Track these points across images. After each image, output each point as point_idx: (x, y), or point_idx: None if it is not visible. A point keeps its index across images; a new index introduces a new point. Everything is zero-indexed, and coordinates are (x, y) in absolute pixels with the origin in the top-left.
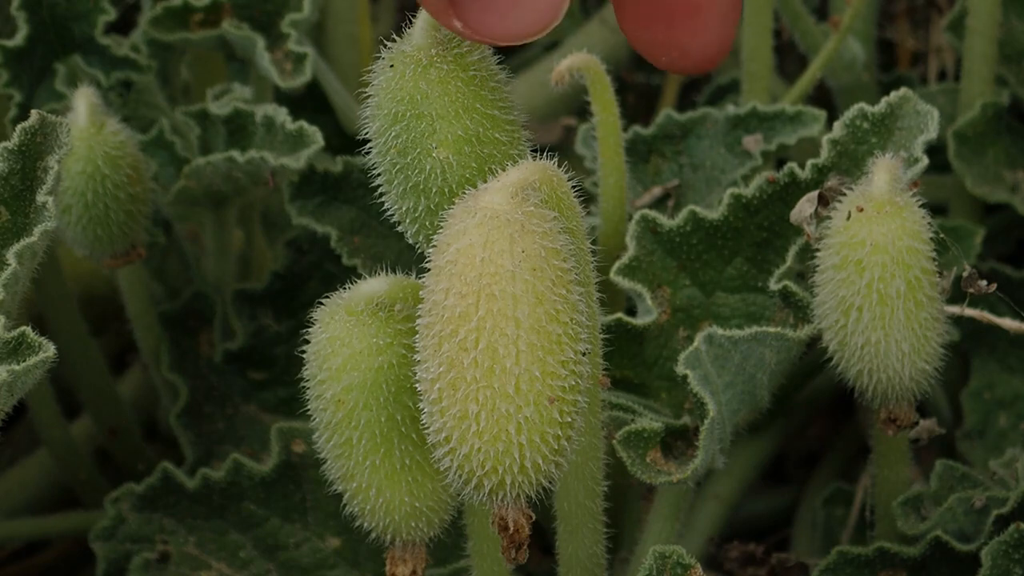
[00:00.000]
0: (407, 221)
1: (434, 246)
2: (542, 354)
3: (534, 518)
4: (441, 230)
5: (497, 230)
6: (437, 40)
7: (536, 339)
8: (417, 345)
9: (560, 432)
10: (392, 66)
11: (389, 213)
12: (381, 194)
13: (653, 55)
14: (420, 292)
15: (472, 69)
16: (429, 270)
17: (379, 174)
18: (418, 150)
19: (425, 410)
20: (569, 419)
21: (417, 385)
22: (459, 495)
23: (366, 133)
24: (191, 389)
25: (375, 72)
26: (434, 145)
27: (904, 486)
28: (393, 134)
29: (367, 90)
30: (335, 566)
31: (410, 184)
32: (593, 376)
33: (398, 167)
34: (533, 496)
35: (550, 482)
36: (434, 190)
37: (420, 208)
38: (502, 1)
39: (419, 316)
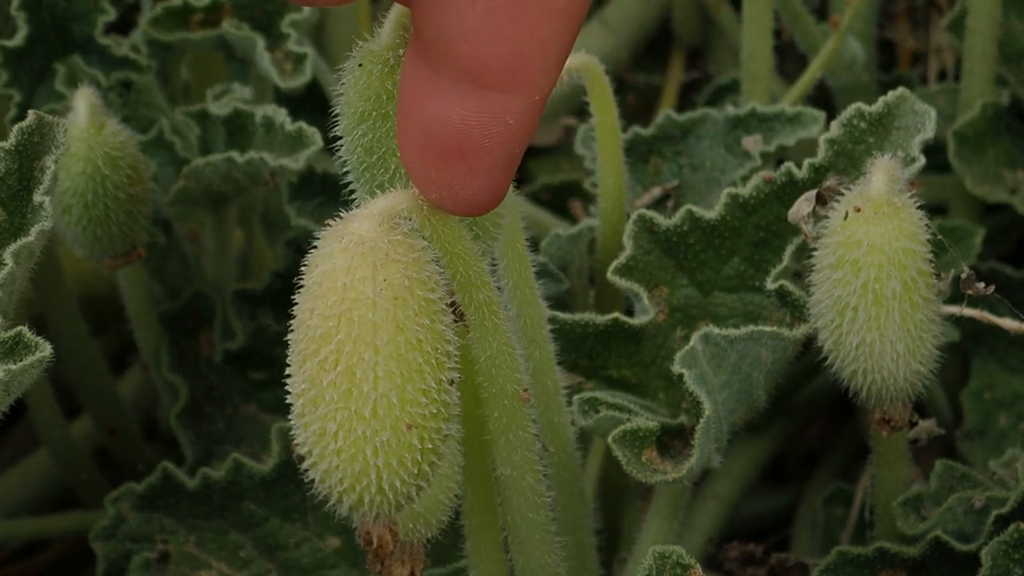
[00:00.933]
0: None
1: (305, 265)
2: (400, 381)
3: (398, 534)
4: (312, 251)
5: (360, 257)
6: (405, 40)
7: (395, 366)
8: (288, 359)
9: (420, 457)
10: (361, 65)
11: None
12: (352, 191)
13: (425, 190)
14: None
15: None
16: (300, 286)
17: (348, 172)
18: (383, 149)
19: (292, 422)
20: (430, 445)
21: (286, 398)
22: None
23: (336, 131)
24: (191, 389)
25: (345, 70)
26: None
27: (904, 486)
28: (360, 133)
29: (337, 88)
30: (335, 566)
31: (376, 183)
32: (514, 393)
33: (365, 166)
34: (394, 515)
35: (410, 502)
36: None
37: None
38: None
39: (290, 330)
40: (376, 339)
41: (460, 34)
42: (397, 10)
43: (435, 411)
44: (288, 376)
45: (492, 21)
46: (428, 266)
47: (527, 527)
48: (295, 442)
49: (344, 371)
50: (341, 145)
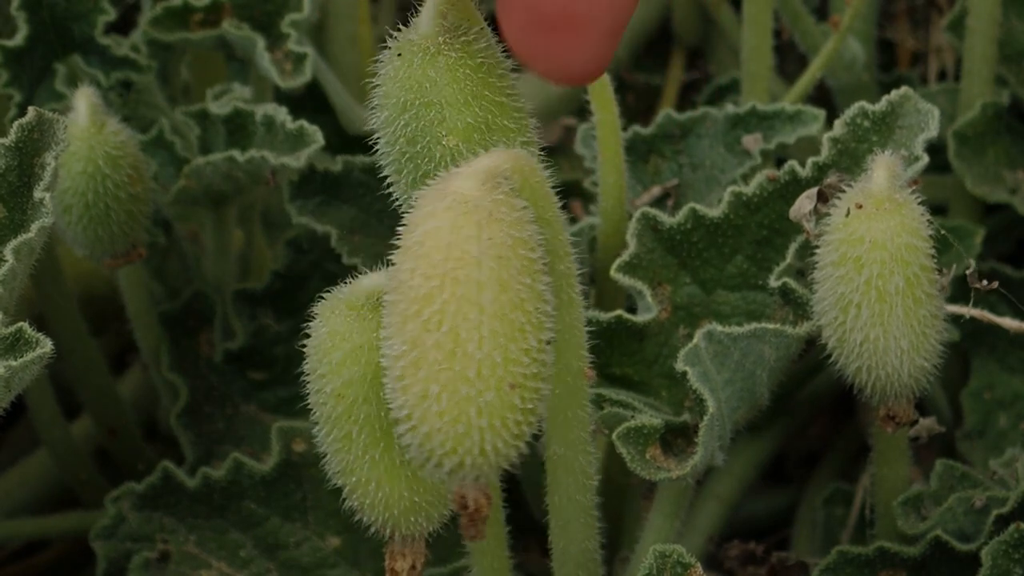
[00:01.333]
0: None
1: (403, 224)
2: (504, 341)
3: (493, 498)
4: (411, 210)
5: (465, 215)
6: (444, 28)
7: (499, 326)
8: (384, 320)
9: (521, 418)
10: (400, 55)
11: (391, 206)
12: (383, 188)
13: (532, 63)
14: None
15: (480, 57)
16: (398, 247)
17: (387, 164)
18: (427, 138)
19: (388, 386)
20: (530, 405)
21: (382, 360)
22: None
23: (373, 123)
24: (191, 389)
25: (382, 61)
26: (444, 133)
27: (904, 486)
28: (402, 123)
29: (374, 80)
30: (335, 565)
31: (420, 173)
32: (579, 369)
33: (407, 156)
34: (494, 477)
35: (511, 465)
36: None
37: None
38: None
39: (387, 292)
40: (481, 298)
41: None
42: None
43: (535, 371)
44: (386, 338)
45: None
46: (529, 226)
47: (573, 510)
48: (393, 407)
49: (449, 331)
50: (378, 138)
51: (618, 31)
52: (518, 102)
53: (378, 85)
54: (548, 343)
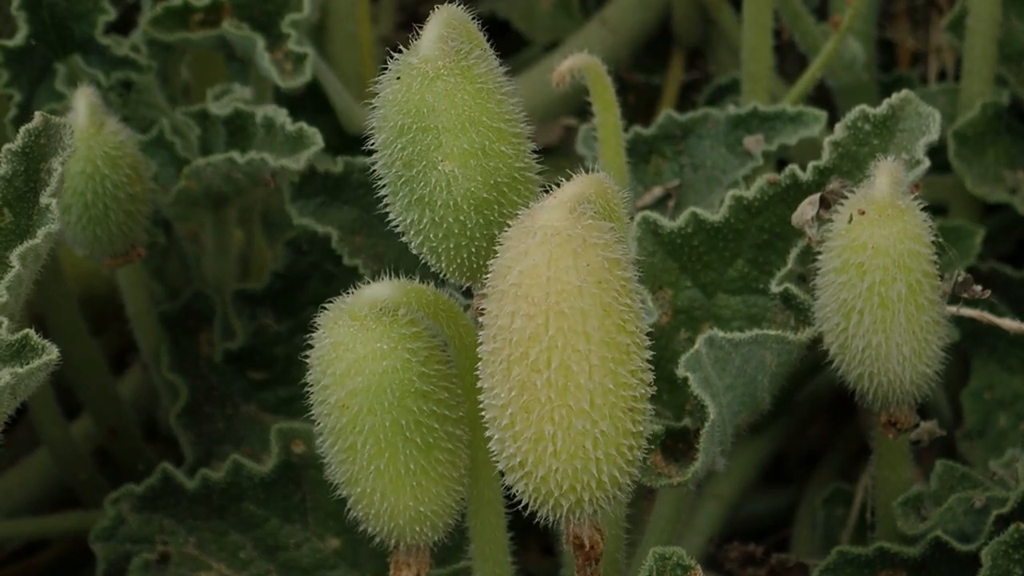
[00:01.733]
0: (411, 233)
1: (492, 270)
2: (613, 366)
3: (606, 532)
4: (498, 253)
5: (560, 247)
6: (444, 52)
7: (607, 352)
8: (481, 372)
9: (634, 442)
10: (399, 78)
11: (393, 224)
12: (386, 204)
13: None
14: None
15: (479, 81)
16: (488, 295)
17: (384, 185)
18: (423, 163)
19: (495, 437)
20: (641, 428)
21: (483, 413)
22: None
23: (371, 144)
24: (191, 389)
25: (381, 83)
26: (440, 158)
27: (904, 486)
28: (399, 147)
29: (373, 101)
30: (335, 566)
31: (415, 196)
32: None
33: (403, 179)
34: (609, 510)
35: (623, 492)
36: (439, 203)
37: (425, 221)
38: None
39: (481, 343)
40: (587, 327)
41: None
42: (435, 20)
43: (643, 391)
44: (488, 390)
45: None
46: (619, 247)
47: (604, 521)
48: (500, 458)
49: (559, 367)
50: (376, 160)
51: None
52: (516, 127)
53: (376, 107)
54: (650, 361)
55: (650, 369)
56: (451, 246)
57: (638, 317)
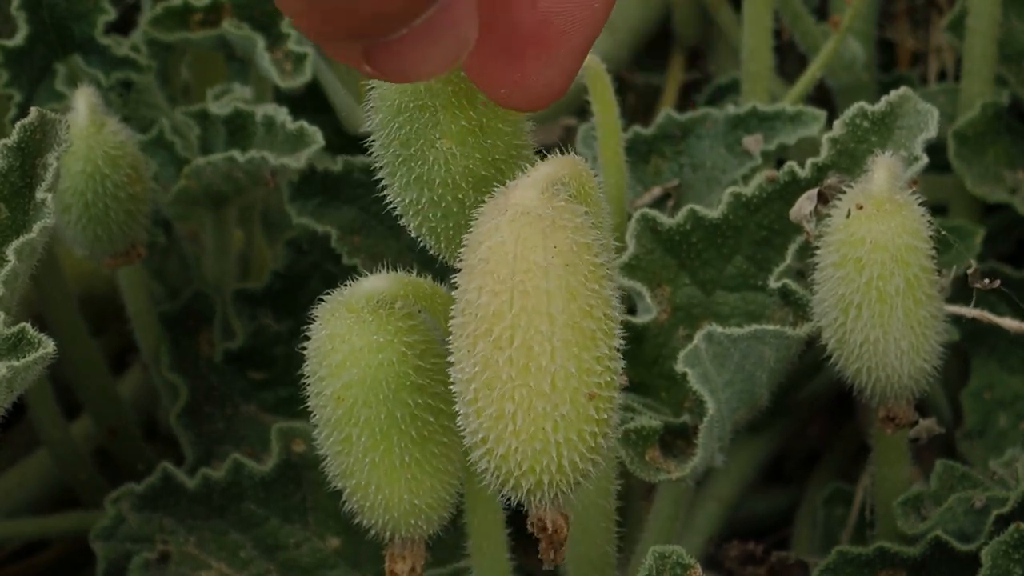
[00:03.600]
0: (410, 214)
1: (465, 245)
2: (577, 350)
3: (572, 518)
4: (471, 228)
5: (529, 226)
6: None
7: (571, 335)
8: (450, 346)
9: (596, 429)
10: None
11: (392, 207)
12: (383, 189)
13: (493, 87)
14: (450, 292)
15: None
16: (460, 269)
17: (382, 167)
18: (421, 141)
19: (460, 412)
20: (605, 416)
21: (452, 386)
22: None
23: (368, 125)
24: (191, 389)
25: None
26: (437, 136)
27: (904, 486)
28: (396, 125)
29: (369, 82)
30: (335, 566)
31: (413, 176)
32: None
33: (401, 159)
34: (571, 495)
35: (586, 480)
36: (437, 181)
37: (423, 200)
38: (412, 55)
39: (451, 316)
40: (551, 308)
41: None
42: None
43: (609, 379)
44: (454, 364)
45: None
46: (591, 231)
47: (594, 514)
48: (466, 433)
49: (521, 346)
50: (373, 140)
51: (589, 45)
52: None
53: (373, 87)
54: (618, 350)
55: (619, 358)
56: (450, 225)
57: (608, 304)
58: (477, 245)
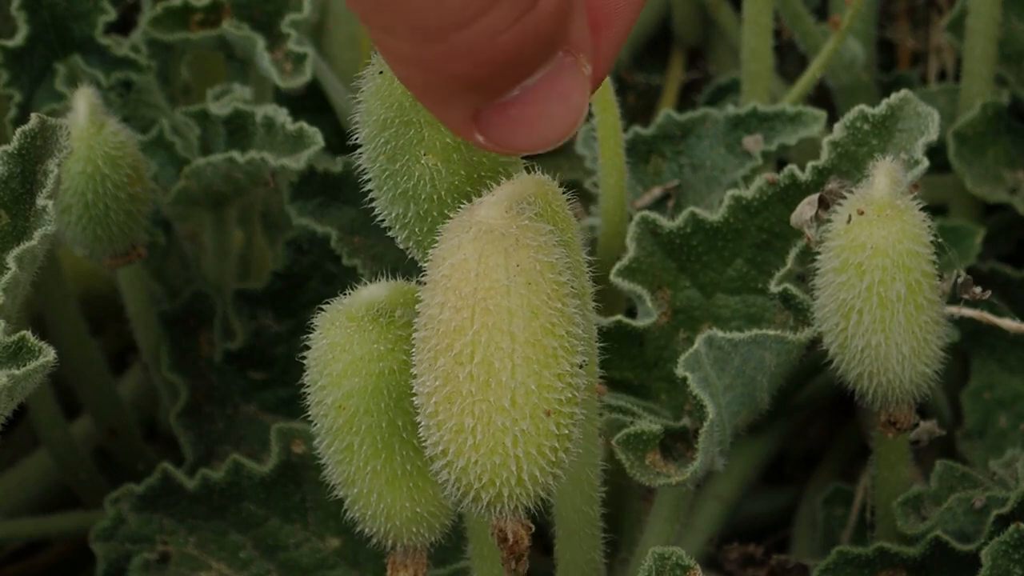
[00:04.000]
0: (397, 227)
1: (429, 259)
2: (538, 367)
3: (534, 529)
4: (436, 243)
5: (491, 244)
6: None
7: (532, 352)
8: (413, 359)
9: (557, 444)
10: (381, 72)
11: (380, 218)
12: (372, 198)
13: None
14: (416, 305)
15: None
16: (425, 283)
17: (369, 180)
18: (407, 157)
19: (422, 423)
20: (566, 431)
21: (414, 399)
22: (457, 507)
23: (355, 138)
24: (191, 389)
25: (365, 77)
26: (423, 152)
27: (904, 486)
28: (382, 140)
29: (357, 95)
30: (335, 566)
31: (399, 190)
32: (589, 384)
33: (387, 173)
34: (532, 508)
35: (548, 493)
36: (423, 196)
37: (410, 214)
38: (526, 118)
39: (415, 330)
40: (512, 326)
41: None
42: None
43: (570, 396)
44: (416, 377)
45: None
46: (556, 250)
47: (579, 521)
48: (427, 444)
49: (481, 362)
50: (360, 153)
51: (623, 40)
52: None
53: (359, 101)
54: (581, 366)
55: (581, 374)
56: (437, 239)
57: (571, 322)
58: (441, 261)
